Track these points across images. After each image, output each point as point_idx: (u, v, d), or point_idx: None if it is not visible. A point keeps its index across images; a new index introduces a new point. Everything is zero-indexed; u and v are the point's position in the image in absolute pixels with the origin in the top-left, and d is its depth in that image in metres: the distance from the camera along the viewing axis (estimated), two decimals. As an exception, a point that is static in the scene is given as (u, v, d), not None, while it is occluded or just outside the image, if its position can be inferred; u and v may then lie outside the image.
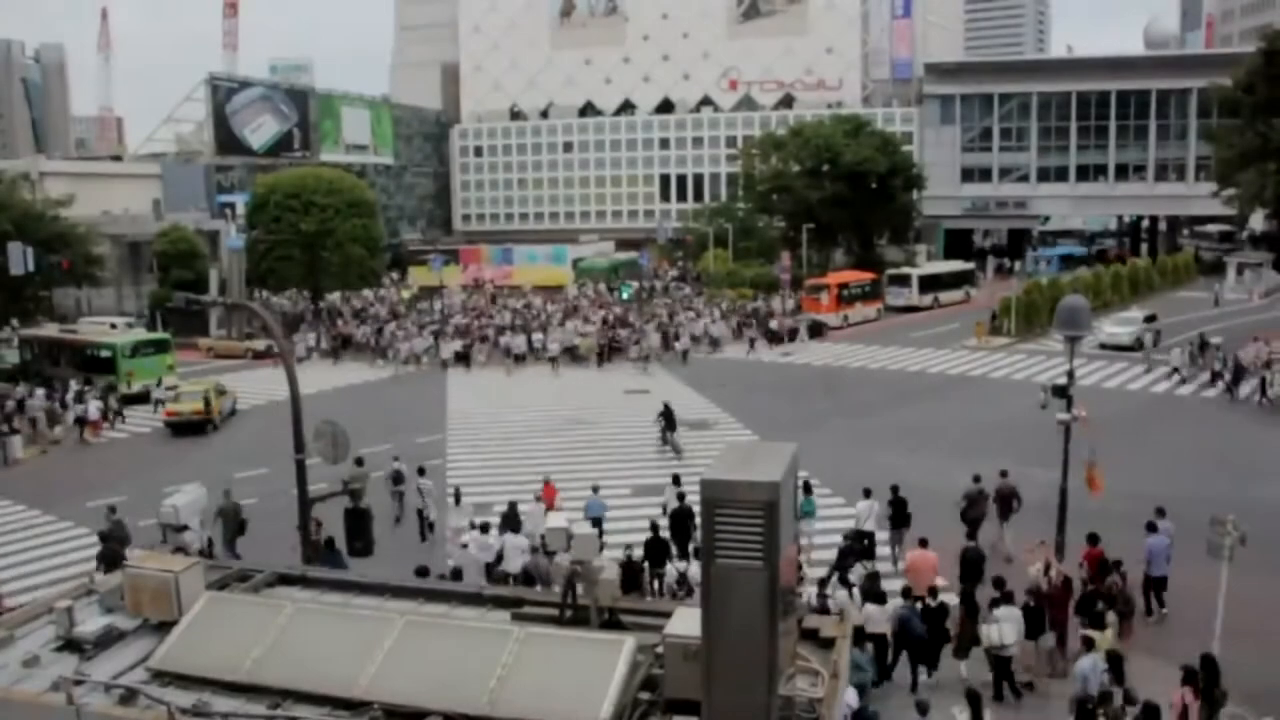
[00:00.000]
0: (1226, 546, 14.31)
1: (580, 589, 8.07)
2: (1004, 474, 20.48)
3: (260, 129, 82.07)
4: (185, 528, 19.25)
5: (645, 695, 6.75)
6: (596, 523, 19.28)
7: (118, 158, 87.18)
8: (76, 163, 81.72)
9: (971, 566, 17.01)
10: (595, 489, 21.11)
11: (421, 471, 22.45)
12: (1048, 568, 15.64)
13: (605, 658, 6.77)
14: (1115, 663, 13.33)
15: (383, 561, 15.18)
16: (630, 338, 45.86)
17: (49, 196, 51.13)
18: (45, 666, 7.46)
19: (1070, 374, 18.55)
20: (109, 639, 7.79)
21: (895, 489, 19.87)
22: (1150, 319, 45.10)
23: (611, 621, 7.94)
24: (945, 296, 59.73)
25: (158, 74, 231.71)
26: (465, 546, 18.34)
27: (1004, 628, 14.10)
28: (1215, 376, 34.71)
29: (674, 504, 19.44)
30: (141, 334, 44.86)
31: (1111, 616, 14.84)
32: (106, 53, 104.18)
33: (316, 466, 15.79)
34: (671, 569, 17.63)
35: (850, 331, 51.32)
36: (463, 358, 44.93)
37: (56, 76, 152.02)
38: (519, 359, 44.56)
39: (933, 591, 15.81)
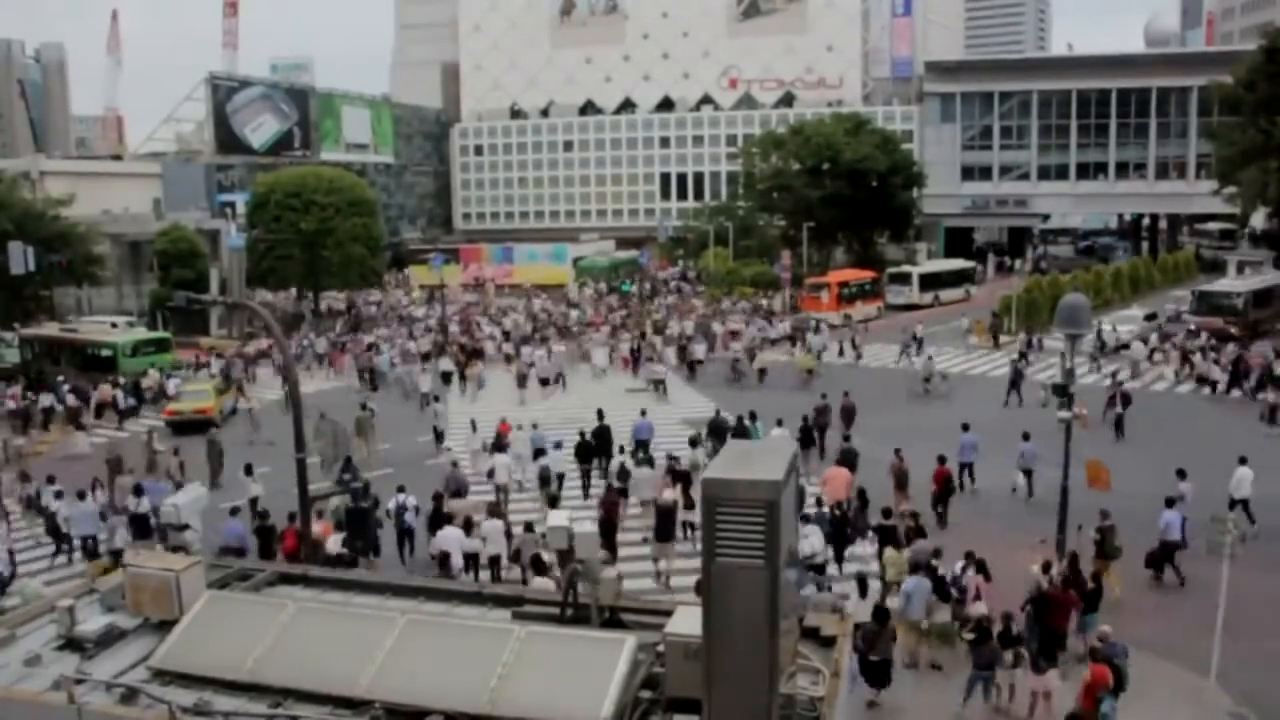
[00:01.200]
0: (1227, 544, 14.35)
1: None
2: (846, 394, 28.87)
3: (260, 128, 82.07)
4: (186, 527, 19.28)
5: (646, 694, 6.76)
6: (540, 452, 24.29)
7: (118, 157, 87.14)
8: (77, 162, 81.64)
9: (846, 459, 22.09)
10: (535, 425, 26.64)
11: (436, 399, 32.23)
12: (1047, 567, 15.61)
13: (606, 656, 6.78)
14: (938, 583, 15.36)
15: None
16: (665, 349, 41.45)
17: (49, 196, 51.14)
18: (47, 665, 7.47)
19: (1070, 372, 18.54)
20: (110, 638, 7.81)
21: (805, 419, 25.98)
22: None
23: (612, 620, 7.95)
24: (946, 294, 59.73)
25: (158, 74, 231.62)
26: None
27: (812, 540, 17.23)
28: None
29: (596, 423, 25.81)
30: (142, 333, 44.93)
31: (927, 544, 16.67)
32: (117, 55, 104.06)
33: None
34: (614, 462, 22.70)
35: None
36: (457, 377, 38.46)
37: (56, 76, 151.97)
38: (543, 383, 37.21)
39: (837, 505, 19.44)
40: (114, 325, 46.34)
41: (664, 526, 18.95)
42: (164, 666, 7.28)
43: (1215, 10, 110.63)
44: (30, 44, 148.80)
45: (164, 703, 6.73)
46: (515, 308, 59.59)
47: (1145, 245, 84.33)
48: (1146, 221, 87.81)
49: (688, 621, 6.55)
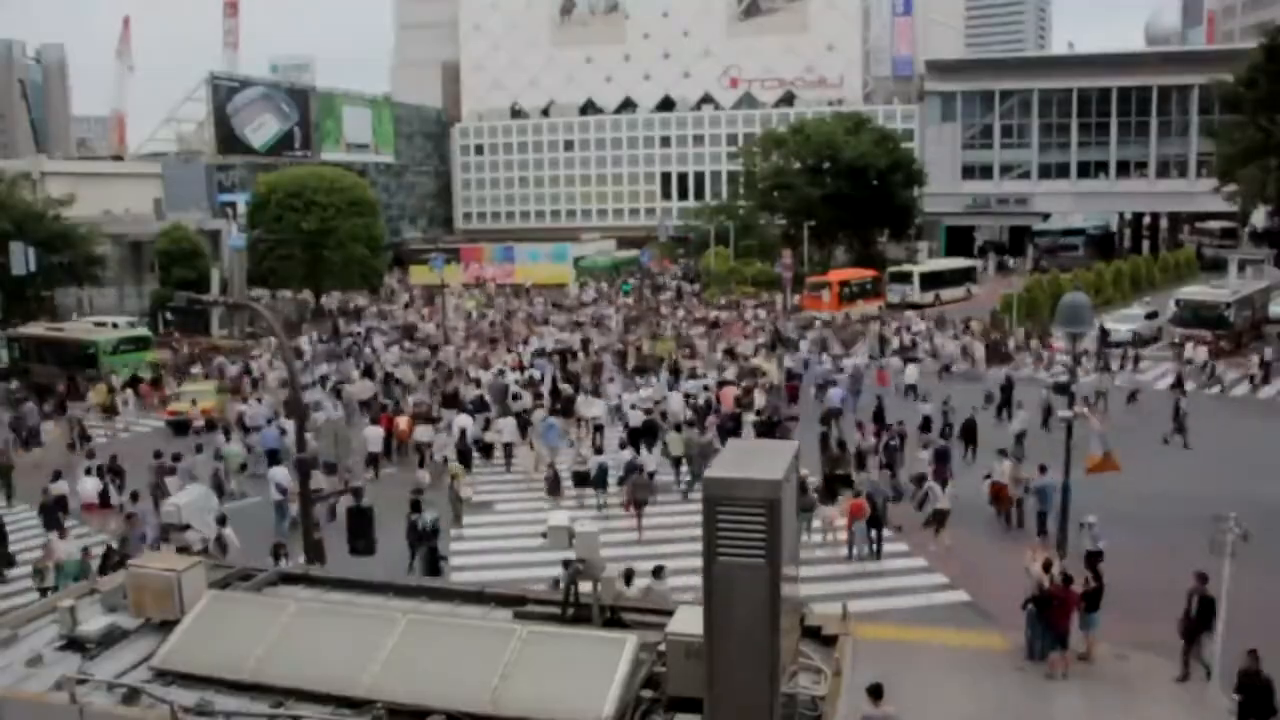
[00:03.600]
0: (1228, 543, 14.33)
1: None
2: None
3: (261, 128, 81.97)
4: (188, 527, 19.29)
5: (648, 693, 6.76)
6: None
7: (119, 157, 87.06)
8: (78, 162, 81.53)
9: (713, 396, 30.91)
10: (479, 383, 33.17)
11: (436, 348, 40.67)
12: (1048, 565, 15.61)
13: (608, 656, 6.78)
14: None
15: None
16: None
17: (50, 196, 51.13)
18: (48, 666, 7.48)
19: (1072, 371, 18.56)
20: (112, 638, 7.81)
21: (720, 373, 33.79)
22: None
23: (614, 620, 7.95)
24: (947, 293, 59.63)
25: (158, 74, 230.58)
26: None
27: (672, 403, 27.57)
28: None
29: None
30: (123, 332, 45.24)
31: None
32: (128, 59, 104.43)
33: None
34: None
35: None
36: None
37: (57, 77, 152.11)
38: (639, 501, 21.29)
39: (736, 417, 27.51)
40: (115, 325, 46.49)
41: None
42: (166, 666, 7.28)
43: (1216, 8, 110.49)
44: (31, 45, 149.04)
45: (166, 703, 6.73)
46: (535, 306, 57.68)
47: (1146, 244, 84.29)
48: (1147, 220, 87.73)
49: (689, 621, 6.55)
